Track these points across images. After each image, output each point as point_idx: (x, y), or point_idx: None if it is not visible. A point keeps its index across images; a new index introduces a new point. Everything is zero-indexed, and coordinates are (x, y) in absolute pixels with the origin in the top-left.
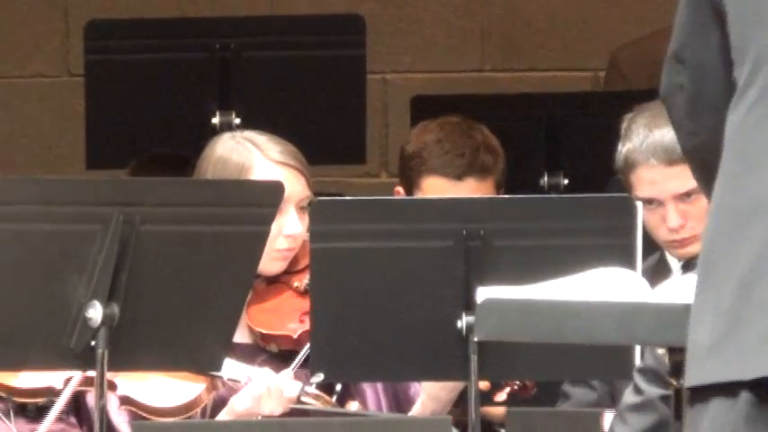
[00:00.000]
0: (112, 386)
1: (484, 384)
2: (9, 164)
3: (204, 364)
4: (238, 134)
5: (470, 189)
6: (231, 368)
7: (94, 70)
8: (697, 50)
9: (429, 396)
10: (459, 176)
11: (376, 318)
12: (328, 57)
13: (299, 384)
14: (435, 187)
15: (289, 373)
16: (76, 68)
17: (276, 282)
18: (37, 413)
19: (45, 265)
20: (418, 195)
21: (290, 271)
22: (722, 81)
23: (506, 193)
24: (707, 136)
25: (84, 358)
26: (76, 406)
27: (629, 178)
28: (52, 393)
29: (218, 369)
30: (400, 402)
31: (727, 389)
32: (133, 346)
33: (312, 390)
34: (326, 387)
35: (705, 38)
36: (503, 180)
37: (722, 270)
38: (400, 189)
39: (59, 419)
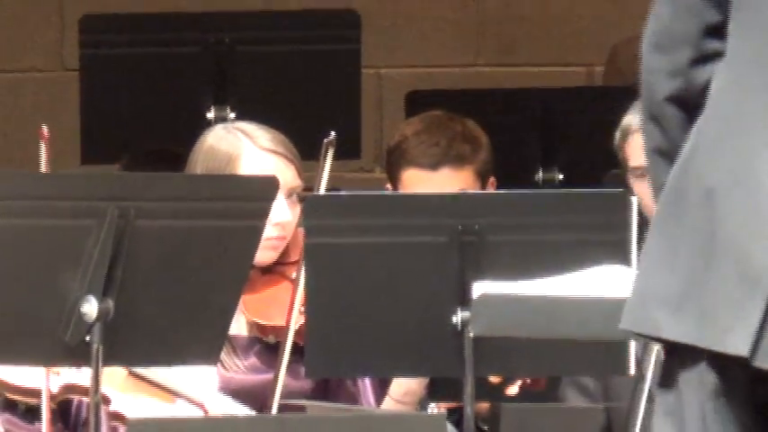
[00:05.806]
0: (106, 401)
1: (495, 378)
2: (2, 158)
3: (200, 358)
4: (230, 125)
5: (446, 179)
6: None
7: (89, 64)
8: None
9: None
10: (433, 166)
11: (371, 313)
12: (323, 52)
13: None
14: (412, 179)
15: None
16: (71, 63)
17: (271, 272)
18: (26, 412)
19: (40, 259)
20: (400, 189)
21: (284, 262)
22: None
23: (500, 188)
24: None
25: (78, 353)
26: (64, 414)
27: (624, 151)
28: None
29: (215, 363)
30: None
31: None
32: (128, 340)
33: None
34: None
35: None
36: (487, 170)
37: (690, 230)
38: (389, 185)
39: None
